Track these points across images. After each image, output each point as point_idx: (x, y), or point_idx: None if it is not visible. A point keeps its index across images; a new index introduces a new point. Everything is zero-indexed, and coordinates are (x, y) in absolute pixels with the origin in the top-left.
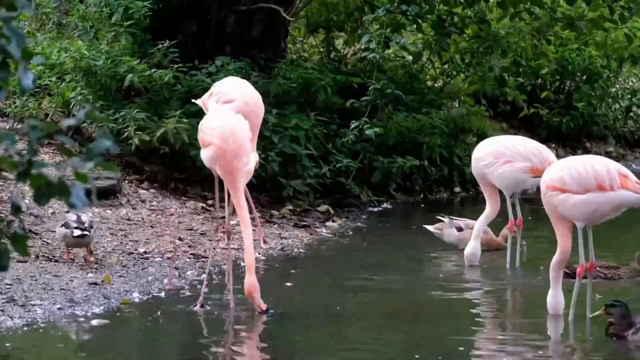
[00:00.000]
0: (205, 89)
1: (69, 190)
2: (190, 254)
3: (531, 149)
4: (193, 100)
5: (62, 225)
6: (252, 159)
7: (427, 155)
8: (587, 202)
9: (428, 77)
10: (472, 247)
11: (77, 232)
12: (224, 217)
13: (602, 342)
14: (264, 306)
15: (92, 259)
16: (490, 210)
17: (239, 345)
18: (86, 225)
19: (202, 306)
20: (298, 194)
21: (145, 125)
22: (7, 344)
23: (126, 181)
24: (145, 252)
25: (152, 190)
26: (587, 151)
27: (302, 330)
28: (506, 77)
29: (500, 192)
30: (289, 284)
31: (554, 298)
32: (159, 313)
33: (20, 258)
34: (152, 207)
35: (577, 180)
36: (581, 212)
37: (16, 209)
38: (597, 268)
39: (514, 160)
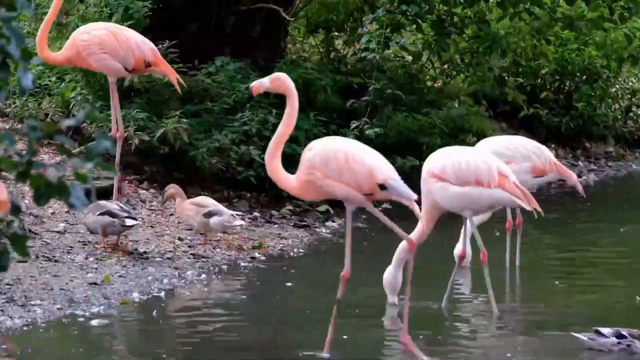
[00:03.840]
0: (205, 89)
1: (68, 191)
2: (190, 254)
3: (531, 148)
4: None
5: (103, 214)
6: None
7: (427, 155)
8: (463, 195)
9: (428, 77)
10: (461, 247)
11: (129, 222)
12: None
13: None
14: None
15: (128, 244)
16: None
17: (239, 345)
18: (131, 213)
19: None
20: None
21: (145, 125)
22: (6, 345)
23: (126, 181)
24: (145, 252)
25: (152, 190)
26: (587, 151)
27: (302, 330)
28: (506, 77)
29: None
30: (289, 284)
31: (394, 277)
32: (158, 313)
33: (20, 258)
34: (152, 207)
35: (458, 172)
36: (456, 203)
37: (16, 209)
38: None
39: (514, 160)
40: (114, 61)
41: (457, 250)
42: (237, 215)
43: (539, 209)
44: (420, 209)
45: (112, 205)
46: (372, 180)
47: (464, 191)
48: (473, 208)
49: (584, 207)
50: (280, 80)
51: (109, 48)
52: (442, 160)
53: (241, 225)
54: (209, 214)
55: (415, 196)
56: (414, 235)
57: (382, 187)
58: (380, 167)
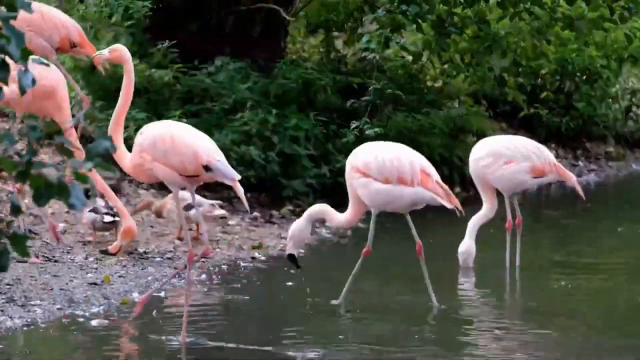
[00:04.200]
0: (205, 89)
1: (68, 191)
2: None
3: (531, 148)
4: None
5: (90, 210)
6: None
7: (427, 155)
8: (386, 192)
9: (428, 77)
10: (467, 246)
11: (107, 218)
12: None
13: None
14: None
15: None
16: (487, 209)
17: (239, 345)
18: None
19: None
20: (298, 194)
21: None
22: (7, 344)
23: (126, 181)
24: (145, 252)
25: (153, 190)
26: (587, 151)
27: (302, 330)
28: (506, 77)
29: (499, 192)
30: (289, 283)
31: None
32: (158, 313)
33: (20, 258)
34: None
35: (381, 169)
36: (379, 200)
37: (16, 209)
38: None
39: (514, 160)
40: (40, 39)
41: (461, 248)
42: (216, 204)
43: (460, 207)
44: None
45: (102, 201)
46: (196, 162)
47: (386, 188)
48: (394, 206)
49: (584, 207)
50: (118, 51)
51: (35, 26)
52: (366, 156)
53: (222, 214)
54: (189, 207)
55: (238, 176)
56: (343, 217)
57: (207, 168)
58: (204, 148)
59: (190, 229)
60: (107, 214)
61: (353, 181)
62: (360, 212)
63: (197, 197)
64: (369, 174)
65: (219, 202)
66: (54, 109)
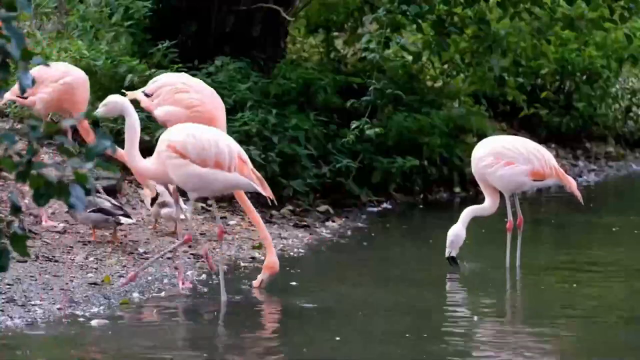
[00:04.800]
0: None
1: (68, 191)
2: (190, 254)
3: (533, 151)
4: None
5: (98, 211)
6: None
7: (427, 155)
8: (201, 175)
9: (428, 77)
10: (457, 230)
11: (126, 220)
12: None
13: None
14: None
15: (118, 236)
16: (488, 204)
17: (239, 345)
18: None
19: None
20: (298, 194)
21: (145, 125)
22: (7, 344)
23: (126, 181)
24: (145, 252)
25: None
26: (587, 151)
27: (302, 330)
28: (506, 77)
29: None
30: (293, 283)
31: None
32: (158, 313)
33: (20, 258)
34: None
35: (200, 152)
36: (192, 182)
37: (16, 209)
38: None
39: (515, 162)
40: None
41: (451, 231)
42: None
43: (272, 197)
44: None
45: (105, 202)
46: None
47: (202, 172)
48: (208, 190)
49: (585, 207)
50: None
51: None
52: (182, 137)
53: (187, 217)
54: (163, 204)
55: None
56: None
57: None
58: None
59: (158, 223)
60: (123, 215)
61: (168, 160)
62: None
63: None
64: (187, 155)
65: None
66: (75, 106)
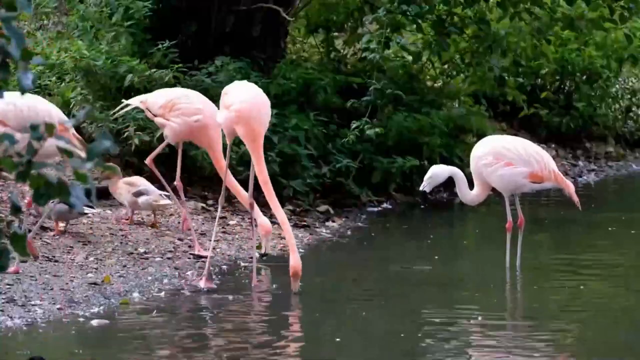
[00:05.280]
0: (205, 89)
1: (68, 191)
2: (190, 254)
3: (533, 153)
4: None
5: (138, 194)
6: None
7: (427, 155)
8: (23, 139)
9: (428, 77)
10: (440, 170)
11: (89, 210)
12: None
13: None
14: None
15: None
16: (474, 193)
17: (240, 345)
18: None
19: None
20: (298, 194)
21: (145, 125)
22: (7, 344)
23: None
24: (145, 252)
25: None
26: (587, 151)
27: (302, 330)
28: (506, 77)
29: (499, 192)
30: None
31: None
32: (158, 313)
33: (20, 258)
34: None
35: (19, 117)
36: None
37: (16, 209)
38: None
39: (515, 163)
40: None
41: (433, 168)
42: (164, 194)
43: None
44: None
45: (149, 185)
46: None
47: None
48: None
49: (585, 207)
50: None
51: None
52: (5, 105)
53: (168, 204)
54: (139, 193)
55: None
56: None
57: None
58: None
59: (135, 214)
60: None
61: None
62: None
63: (149, 186)
64: (7, 123)
65: (166, 193)
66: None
